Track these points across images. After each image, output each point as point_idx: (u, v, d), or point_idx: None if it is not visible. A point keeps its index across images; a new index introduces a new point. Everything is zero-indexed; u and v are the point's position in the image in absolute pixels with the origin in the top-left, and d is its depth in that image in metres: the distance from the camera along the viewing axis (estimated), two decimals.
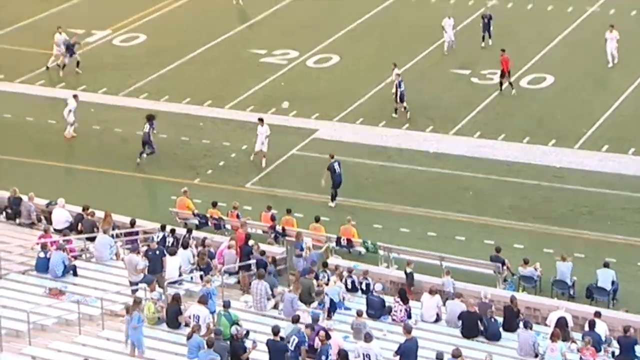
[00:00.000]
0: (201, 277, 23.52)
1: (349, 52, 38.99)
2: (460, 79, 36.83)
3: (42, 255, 23.94)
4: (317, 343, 20.20)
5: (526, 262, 25.50)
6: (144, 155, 31.80)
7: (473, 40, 39.73)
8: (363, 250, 26.65)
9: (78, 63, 37.74)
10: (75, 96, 33.63)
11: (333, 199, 29.66)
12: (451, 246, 27.18)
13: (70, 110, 33.05)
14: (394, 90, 33.92)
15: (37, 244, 24.74)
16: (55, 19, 42.16)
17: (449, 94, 35.88)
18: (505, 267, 25.46)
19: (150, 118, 31.88)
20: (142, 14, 42.75)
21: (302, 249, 25.31)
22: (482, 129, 33.39)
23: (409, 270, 24.74)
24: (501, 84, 35.36)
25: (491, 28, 38.86)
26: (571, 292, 25.18)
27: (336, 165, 29.46)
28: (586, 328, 21.92)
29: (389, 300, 23.23)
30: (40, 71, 37.78)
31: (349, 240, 26.72)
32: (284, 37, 40.46)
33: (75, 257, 24.73)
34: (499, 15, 41.66)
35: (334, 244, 26.73)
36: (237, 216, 27.59)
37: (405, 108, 33.95)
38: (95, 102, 35.74)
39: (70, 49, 37.32)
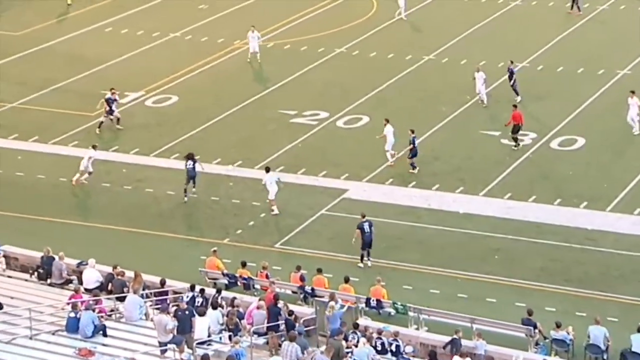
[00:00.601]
0: (230, 337, 23.42)
1: (379, 113, 39.16)
2: (491, 140, 36.84)
3: (72, 315, 23.96)
4: None
5: (558, 326, 25.17)
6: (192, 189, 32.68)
7: (503, 101, 39.81)
8: (393, 311, 26.46)
9: (118, 120, 38.20)
10: (94, 146, 34.57)
11: (362, 259, 29.59)
12: (482, 308, 26.92)
13: (90, 158, 33.92)
14: (409, 147, 34.28)
15: (68, 304, 24.79)
16: (88, 81, 42.86)
17: (479, 155, 35.86)
18: (537, 331, 25.14)
19: (190, 156, 33.03)
20: (174, 76, 43.33)
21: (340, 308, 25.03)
22: (512, 191, 33.28)
23: (456, 337, 24.31)
24: (516, 139, 35.56)
25: (515, 83, 39.01)
26: (605, 357, 24.78)
27: (366, 226, 29.51)
28: None
29: None
30: (72, 132, 38.28)
31: (378, 301, 26.55)
32: (313, 98, 40.79)
33: (105, 317, 24.75)
34: (529, 77, 41.86)
35: (363, 305, 26.56)
36: (267, 276, 27.56)
37: (413, 165, 34.22)
38: (127, 162, 36.10)
39: (110, 106, 37.92)
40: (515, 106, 36.37)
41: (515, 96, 39.11)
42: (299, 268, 27.86)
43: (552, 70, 42.42)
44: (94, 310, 24.01)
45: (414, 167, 34.42)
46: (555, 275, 28.70)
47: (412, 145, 34.38)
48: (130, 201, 33.54)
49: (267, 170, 32.94)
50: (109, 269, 26.72)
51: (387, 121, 35.38)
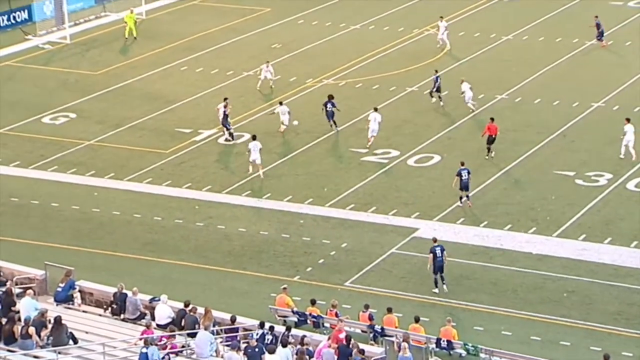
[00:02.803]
0: None
1: (450, 152, 39.00)
2: (565, 180, 36.33)
3: (144, 350, 24.19)
4: None
5: None
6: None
7: (577, 142, 39.33)
8: (464, 352, 26.11)
9: (232, 135, 40.44)
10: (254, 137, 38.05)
11: (436, 284, 29.62)
12: (556, 351, 26.38)
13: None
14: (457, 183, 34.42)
15: (140, 339, 25.04)
16: (163, 119, 43.60)
17: (553, 194, 35.36)
18: None
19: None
20: (247, 114, 43.80)
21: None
22: (587, 232, 32.69)
23: None
24: (489, 149, 37.76)
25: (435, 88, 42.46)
26: None
27: (438, 250, 29.62)
28: None
29: None
30: (147, 169, 38.91)
31: (449, 342, 26.24)
32: (385, 137, 40.78)
33: (177, 354, 24.89)
34: (604, 118, 41.27)
35: (433, 346, 26.27)
36: (336, 314, 27.46)
37: (467, 197, 34.40)
38: (200, 198, 36.51)
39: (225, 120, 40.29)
40: (492, 119, 38.09)
41: (430, 98, 42.29)
42: (367, 307, 27.72)
43: (628, 111, 41.77)
44: (165, 347, 24.17)
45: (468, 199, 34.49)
46: (632, 320, 28.00)
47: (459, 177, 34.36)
48: (202, 238, 33.86)
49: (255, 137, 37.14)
50: (181, 305, 26.94)
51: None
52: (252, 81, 47.44)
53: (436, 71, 43.76)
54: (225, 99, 41.35)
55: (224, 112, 40.54)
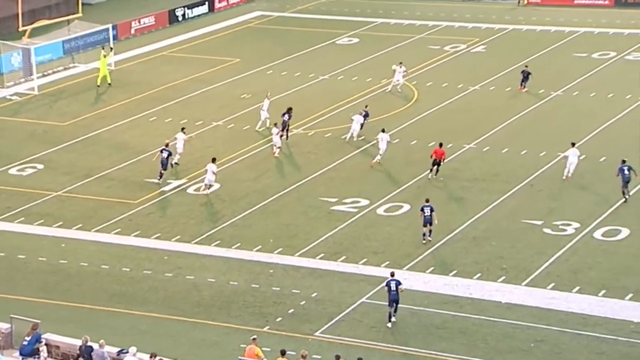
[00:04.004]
0: None
1: (419, 201, 39.16)
2: (533, 229, 36.56)
3: None
4: None
5: None
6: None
7: (544, 191, 39.70)
8: None
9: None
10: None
11: (390, 318, 30.36)
12: None
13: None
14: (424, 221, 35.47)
15: None
16: (130, 170, 43.45)
17: (521, 244, 35.55)
18: None
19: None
20: (217, 163, 43.71)
21: None
22: (555, 281, 32.83)
23: None
24: (431, 170, 40.43)
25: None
26: None
27: (393, 284, 30.33)
28: None
29: None
30: (115, 220, 38.65)
31: None
32: (354, 186, 40.93)
33: None
34: (586, 167, 41.78)
35: None
36: None
37: (429, 232, 35.54)
38: (168, 249, 36.29)
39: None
40: (440, 145, 40.51)
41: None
42: (338, 357, 27.48)
43: (594, 161, 42.26)
44: None
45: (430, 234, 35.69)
46: None
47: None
48: (171, 288, 33.58)
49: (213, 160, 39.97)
50: (148, 357, 26.56)
51: None
52: (221, 131, 47.53)
53: None
54: (167, 143, 42.20)
55: (168, 152, 41.51)
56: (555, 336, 29.78)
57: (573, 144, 40.85)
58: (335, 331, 30.59)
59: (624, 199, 37.98)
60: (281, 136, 44.59)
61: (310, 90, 52.80)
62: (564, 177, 40.07)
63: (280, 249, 35.91)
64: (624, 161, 38.64)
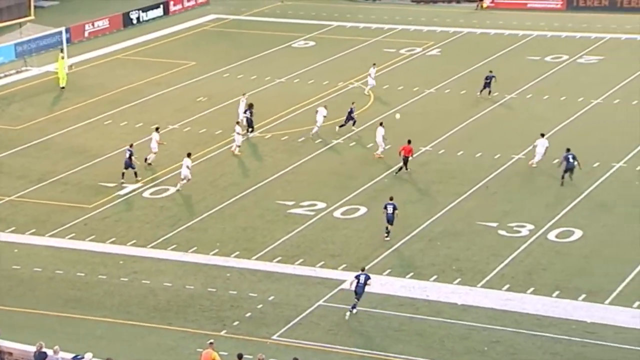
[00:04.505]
0: None
1: (376, 204, 39.32)
2: (488, 231, 36.87)
3: None
4: None
5: None
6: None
7: (499, 193, 40.05)
8: None
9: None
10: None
11: (353, 308, 30.98)
12: None
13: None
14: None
15: None
16: (85, 174, 43.07)
17: (477, 246, 35.83)
18: None
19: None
20: (172, 167, 43.56)
21: None
22: (510, 282, 33.13)
23: None
24: (401, 168, 41.45)
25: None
26: None
27: (362, 277, 30.81)
28: None
29: None
30: (69, 225, 38.26)
31: None
32: (311, 189, 40.97)
33: None
34: (525, 169, 42.23)
35: None
36: None
37: (388, 230, 36.13)
38: (124, 253, 36.01)
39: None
40: (409, 141, 41.36)
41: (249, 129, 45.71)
42: None
43: (549, 163, 42.75)
44: None
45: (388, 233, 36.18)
46: None
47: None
48: (127, 293, 33.31)
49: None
50: None
51: None
52: (177, 134, 47.30)
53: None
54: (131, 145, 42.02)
55: (131, 152, 41.43)
56: (511, 337, 30.04)
57: (542, 135, 42.19)
58: (293, 334, 30.57)
59: (561, 183, 40.05)
60: (249, 131, 45.23)
61: (267, 93, 52.76)
62: (530, 164, 41.93)
63: (237, 253, 35.81)
64: (568, 150, 40.12)
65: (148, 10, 69.03)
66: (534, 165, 41.93)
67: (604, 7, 68.08)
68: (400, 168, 41.60)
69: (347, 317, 30.94)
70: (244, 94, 48.46)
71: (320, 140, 46.00)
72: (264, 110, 48.99)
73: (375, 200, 39.71)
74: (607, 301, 31.61)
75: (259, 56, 60.06)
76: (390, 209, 35.95)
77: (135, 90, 54.07)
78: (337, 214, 38.83)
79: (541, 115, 48.64)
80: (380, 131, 43.54)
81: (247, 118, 46.05)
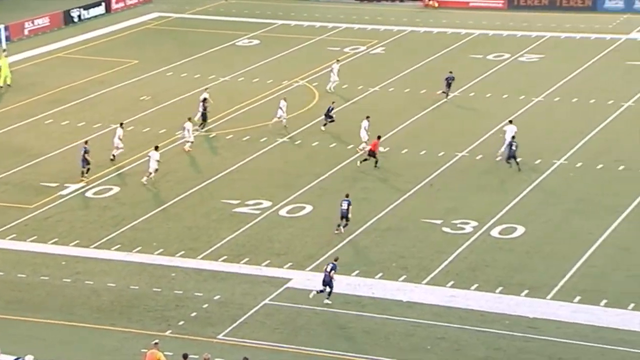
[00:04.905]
0: None
1: (322, 202, 39.39)
2: (433, 228, 37.15)
3: None
4: None
5: None
6: None
7: (443, 191, 40.38)
8: None
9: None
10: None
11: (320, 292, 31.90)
12: None
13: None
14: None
15: None
16: (26, 174, 42.43)
17: (422, 243, 36.06)
18: None
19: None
20: (116, 166, 43.14)
21: None
22: (454, 279, 33.42)
23: None
24: (366, 159, 41.86)
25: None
26: None
27: (329, 267, 31.74)
28: None
29: None
30: (10, 225, 37.66)
31: None
32: (256, 188, 40.87)
33: None
34: (468, 167, 42.63)
35: None
36: None
37: (340, 225, 36.48)
38: (66, 254, 35.54)
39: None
40: (379, 137, 42.15)
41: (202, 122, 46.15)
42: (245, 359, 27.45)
43: (490, 160, 43.18)
44: None
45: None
46: None
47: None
48: (70, 294, 32.89)
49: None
50: None
51: None
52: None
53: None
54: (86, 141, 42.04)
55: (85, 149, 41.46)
56: (455, 333, 30.30)
57: (510, 121, 43.30)
58: (239, 334, 30.47)
59: (509, 165, 41.59)
60: (202, 126, 45.89)
61: (211, 92, 52.46)
62: (498, 155, 42.67)
63: (182, 252, 35.58)
64: (513, 137, 41.48)
65: (89, 8, 68.22)
66: (499, 156, 42.62)
67: (543, 6, 69.02)
68: (366, 159, 41.99)
69: (310, 296, 31.50)
70: (206, 89, 48.39)
71: (265, 138, 45.90)
72: (208, 109, 48.64)
73: (320, 199, 39.75)
74: (549, 296, 32.06)
75: (202, 55, 59.75)
76: (344, 205, 36.17)
77: (77, 89, 53.41)
78: (282, 212, 38.78)
79: (484, 113, 49.13)
80: (364, 124, 43.87)
81: (201, 112, 46.10)
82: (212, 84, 53.92)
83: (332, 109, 46.65)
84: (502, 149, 42.57)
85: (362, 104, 50.76)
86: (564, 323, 30.49)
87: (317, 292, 31.70)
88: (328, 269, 31.69)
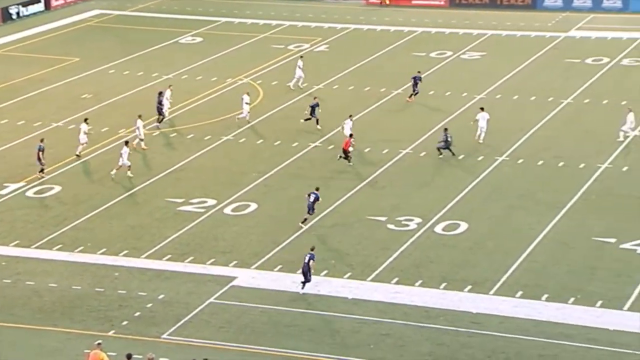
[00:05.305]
0: None
1: (267, 200, 39.32)
2: (377, 225, 37.31)
3: None
4: None
5: None
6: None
7: (387, 188, 40.60)
8: None
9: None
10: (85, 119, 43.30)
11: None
12: None
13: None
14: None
15: None
16: None
17: (367, 240, 36.20)
18: None
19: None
20: (57, 165, 42.57)
21: None
22: (399, 275, 33.61)
23: None
24: (342, 157, 42.20)
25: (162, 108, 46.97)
26: None
27: (307, 257, 32.07)
28: None
29: None
30: None
31: None
32: (201, 186, 40.65)
33: None
34: (413, 162, 42.92)
35: None
36: None
37: (305, 219, 36.77)
38: (7, 254, 34.97)
39: None
40: (351, 135, 42.28)
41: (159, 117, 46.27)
42: None
43: (434, 157, 43.54)
44: None
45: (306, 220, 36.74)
46: None
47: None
48: (10, 295, 32.36)
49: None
50: None
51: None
52: (62, 132, 46.21)
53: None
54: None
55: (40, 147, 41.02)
56: (400, 329, 30.48)
57: (482, 109, 44.65)
58: (184, 333, 30.28)
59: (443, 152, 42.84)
60: (160, 121, 45.97)
61: (154, 89, 52.02)
62: (477, 140, 44.18)
63: (126, 251, 35.24)
64: (446, 129, 43.02)
65: (28, 5, 67.19)
66: (480, 141, 44.03)
67: (484, 4, 69.75)
68: (342, 157, 42.14)
69: (301, 293, 32.07)
70: (169, 86, 48.19)
71: (209, 136, 45.67)
72: (151, 108, 48.27)
73: (265, 196, 39.68)
74: (492, 292, 32.42)
75: (145, 52, 59.23)
76: (311, 197, 36.57)
77: (16, 87, 52.57)
78: (227, 210, 38.64)
79: (427, 111, 49.47)
80: (349, 124, 43.83)
81: (157, 108, 46.08)
82: (155, 81, 53.49)
83: (317, 104, 46.38)
84: (480, 135, 44.15)
85: (306, 102, 50.77)
86: (506, 318, 30.85)
87: (303, 285, 32.19)
88: (306, 260, 32.06)
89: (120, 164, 40.78)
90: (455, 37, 62.45)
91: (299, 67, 52.10)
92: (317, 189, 37.07)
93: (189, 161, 43.35)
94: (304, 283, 32.26)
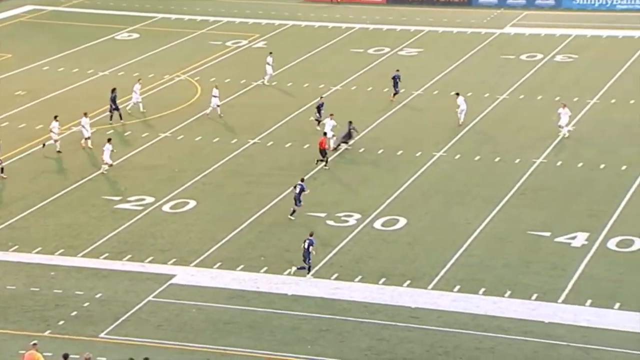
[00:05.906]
0: None
1: (206, 197, 39.12)
2: (318, 221, 37.37)
3: None
4: None
5: None
6: None
7: (327, 185, 40.69)
8: None
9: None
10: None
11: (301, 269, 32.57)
12: None
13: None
14: None
15: None
16: None
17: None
18: None
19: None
20: None
21: None
22: (339, 271, 33.72)
23: None
24: (319, 159, 41.72)
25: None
26: None
27: (306, 243, 32.70)
28: None
29: None
30: None
31: None
32: (138, 184, 40.27)
33: None
34: (351, 160, 43.07)
35: None
36: None
37: (293, 210, 37.07)
38: None
39: None
40: (325, 134, 42.42)
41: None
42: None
43: (373, 153, 43.77)
44: None
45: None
46: (381, 355, 29.05)
47: None
48: None
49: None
50: None
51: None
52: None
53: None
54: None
55: None
56: (339, 325, 30.58)
57: (457, 94, 46.62)
58: (121, 332, 29.98)
59: (342, 145, 43.44)
60: (111, 117, 45.77)
61: (90, 86, 51.46)
62: (459, 125, 45.85)
63: (62, 250, 34.75)
64: (350, 122, 43.65)
65: None
66: (460, 125, 45.68)
67: (421, 1, 70.32)
68: (320, 159, 41.74)
69: (292, 272, 32.82)
70: (139, 80, 47.83)
71: (147, 133, 45.25)
72: (87, 104, 47.68)
73: (204, 194, 39.47)
74: (430, 286, 32.71)
75: (80, 48, 58.45)
76: (297, 189, 36.68)
77: None
78: (165, 208, 38.34)
79: (365, 107, 49.68)
80: (330, 123, 43.36)
81: (110, 105, 45.83)
82: (90, 78, 52.83)
83: (322, 104, 45.80)
84: (461, 117, 45.82)
85: (245, 99, 50.62)
86: (444, 312, 31.16)
87: (298, 269, 32.44)
88: (306, 246, 32.36)
89: (105, 160, 40.69)
90: (392, 34, 62.82)
91: (268, 64, 51.82)
92: (302, 180, 37.16)
93: (127, 158, 42.90)
94: (303, 268, 32.56)
